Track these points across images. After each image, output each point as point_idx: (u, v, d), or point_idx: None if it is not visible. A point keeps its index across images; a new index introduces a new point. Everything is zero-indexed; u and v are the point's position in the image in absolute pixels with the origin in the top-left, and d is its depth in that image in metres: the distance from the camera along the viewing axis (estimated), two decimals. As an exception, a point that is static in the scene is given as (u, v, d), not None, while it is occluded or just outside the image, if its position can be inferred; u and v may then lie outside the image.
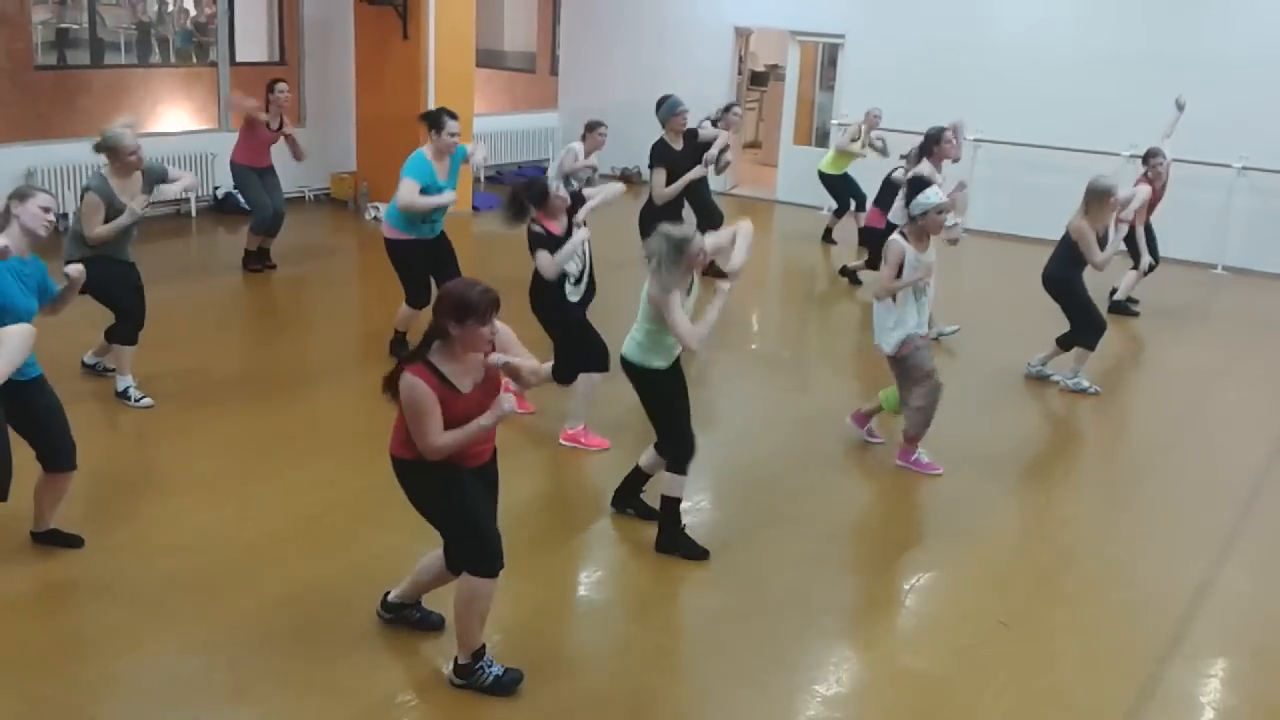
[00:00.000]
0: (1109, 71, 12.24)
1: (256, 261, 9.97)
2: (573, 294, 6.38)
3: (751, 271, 12.15)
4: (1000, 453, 7.12)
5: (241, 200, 11.75)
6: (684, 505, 5.54)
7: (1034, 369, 8.10)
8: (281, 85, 9.97)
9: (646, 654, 4.65)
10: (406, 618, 4.57)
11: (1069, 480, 6.70)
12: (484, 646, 4.25)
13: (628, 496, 5.66)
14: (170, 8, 13.84)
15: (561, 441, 6.48)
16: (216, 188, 12.01)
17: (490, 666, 4.23)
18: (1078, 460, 7.04)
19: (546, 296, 6.35)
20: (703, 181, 9.42)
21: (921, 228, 6.16)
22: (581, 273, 6.40)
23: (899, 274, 6.12)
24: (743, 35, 15.10)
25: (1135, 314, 10.11)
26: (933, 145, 8.64)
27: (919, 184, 6.25)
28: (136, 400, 6.79)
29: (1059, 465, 6.93)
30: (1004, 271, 11.57)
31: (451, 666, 4.26)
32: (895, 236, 6.23)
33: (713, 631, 4.77)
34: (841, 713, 4.32)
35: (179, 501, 5.61)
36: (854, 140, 11.67)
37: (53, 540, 5.09)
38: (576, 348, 6.39)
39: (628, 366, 5.34)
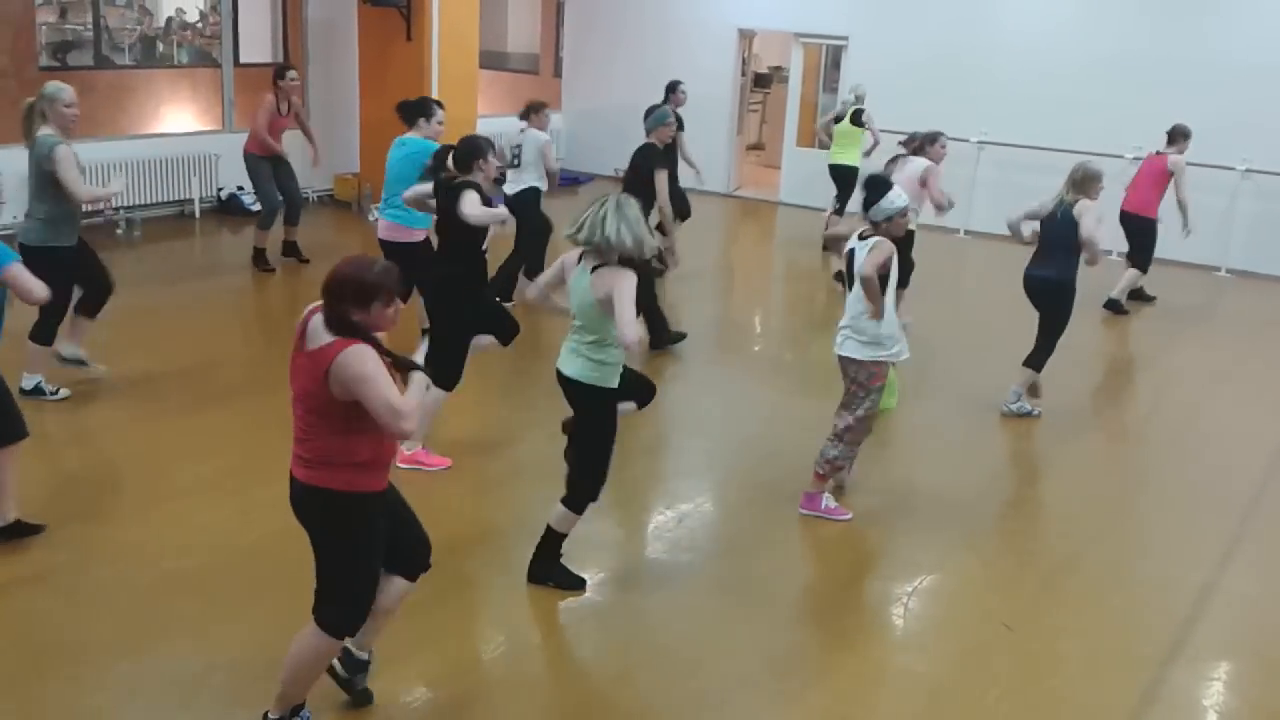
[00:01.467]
0: (1112, 74, 12.24)
1: (266, 260, 9.98)
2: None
3: (754, 274, 12.23)
4: (1003, 456, 7.12)
5: (245, 201, 11.82)
6: (686, 508, 5.54)
7: (1013, 407, 7.49)
8: (291, 73, 9.96)
9: (647, 657, 4.64)
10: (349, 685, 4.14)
11: (1072, 483, 6.69)
12: (303, 703, 3.94)
13: (547, 565, 5.03)
14: (174, 22, 13.86)
15: (399, 464, 5.67)
16: (220, 189, 12.02)
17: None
18: (1081, 463, 7.02)
19: (466, 263, 5.95)
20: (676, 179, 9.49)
21: (886, 231, 5.60)
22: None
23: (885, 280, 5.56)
24: (746, 37, 15.10)
25: (1125, 312, 10.14)
26: (927, 145, 8.76)
27: (879, 185, 5.64)
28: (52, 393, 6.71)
29: (1062, 468, 6.92)
30: (1008, 273, 11.54)
31: None
32: (882, 239, 5.65)
33: (713, 635, 4.77)
34: (844, 715, 4.32)
35: (181, 503, 5.61)
36: (838, 120, 11.74)
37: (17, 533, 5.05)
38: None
39: (581, 390, 4.76)
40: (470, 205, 5.72)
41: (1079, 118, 12.25)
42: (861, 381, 5.70)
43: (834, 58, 14.87)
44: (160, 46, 13.58)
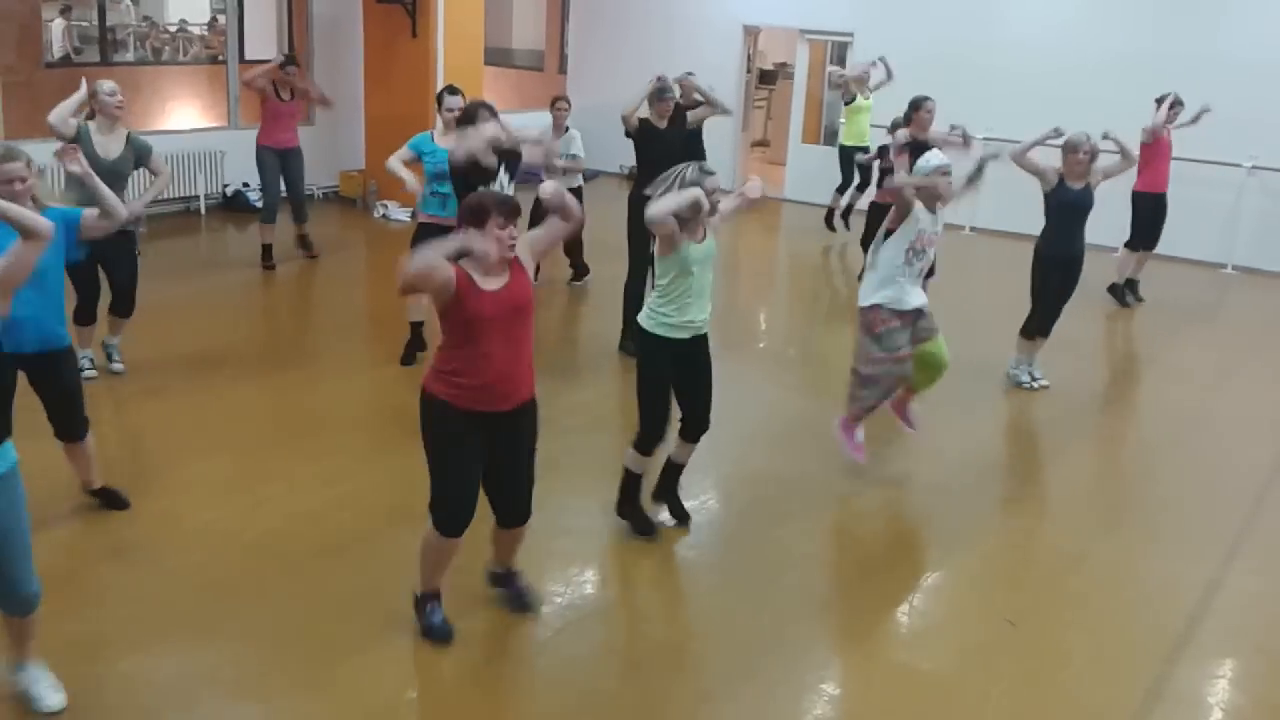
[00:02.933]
0: (1118, 71, 12.21)
1: (271, 257, 9.97)
2: None
3: (759, 269, 12.22)
4: (1006, 452, 7.12)
5: (251, 197, 11.85)
6: (690, 504, 5.55)
7: (1023, 380, 7.88)
8: (291, 67, 9.97)
9: (651, 652, 4.65)
10: (507, 586, 4.75)
11: (1076, 479, 6.69)
12: (437, 593, 4.44)
13: (666, 493, 5.60)
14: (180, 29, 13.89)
15: None
16: (226, 185, 12.04)
17: (432, 614, 4.43)
18: (1085, 459, 7.02)
19: None
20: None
21: (929, 190, 5.99)
22: None
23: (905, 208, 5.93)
24: (751, 33, 15.09)
25: (1127, 304, 10.14)
26: (912, 113, 8.87)
27: (919, 149, 6.17)
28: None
29: (1065, 464, 6.91)
30: (1013, 269, 11.52)
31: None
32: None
33: (718, 630, 4.77)
34: (847, 711, 4.32)
35: (187, 498, 5.62)
36: (864, 98, 11.81)
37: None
38: None
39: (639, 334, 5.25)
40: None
41: (1084, 114, 12.07)
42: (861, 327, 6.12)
43: (839, 54, 14.86)
44: (167, 52, 13.59)
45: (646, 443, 5.30)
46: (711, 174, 5.02)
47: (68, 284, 5.17)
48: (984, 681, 4.50)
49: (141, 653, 4.36)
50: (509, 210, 4.06)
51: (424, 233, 6.77)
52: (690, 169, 4.98)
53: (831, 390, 8.15)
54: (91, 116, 6.85)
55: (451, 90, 7.73)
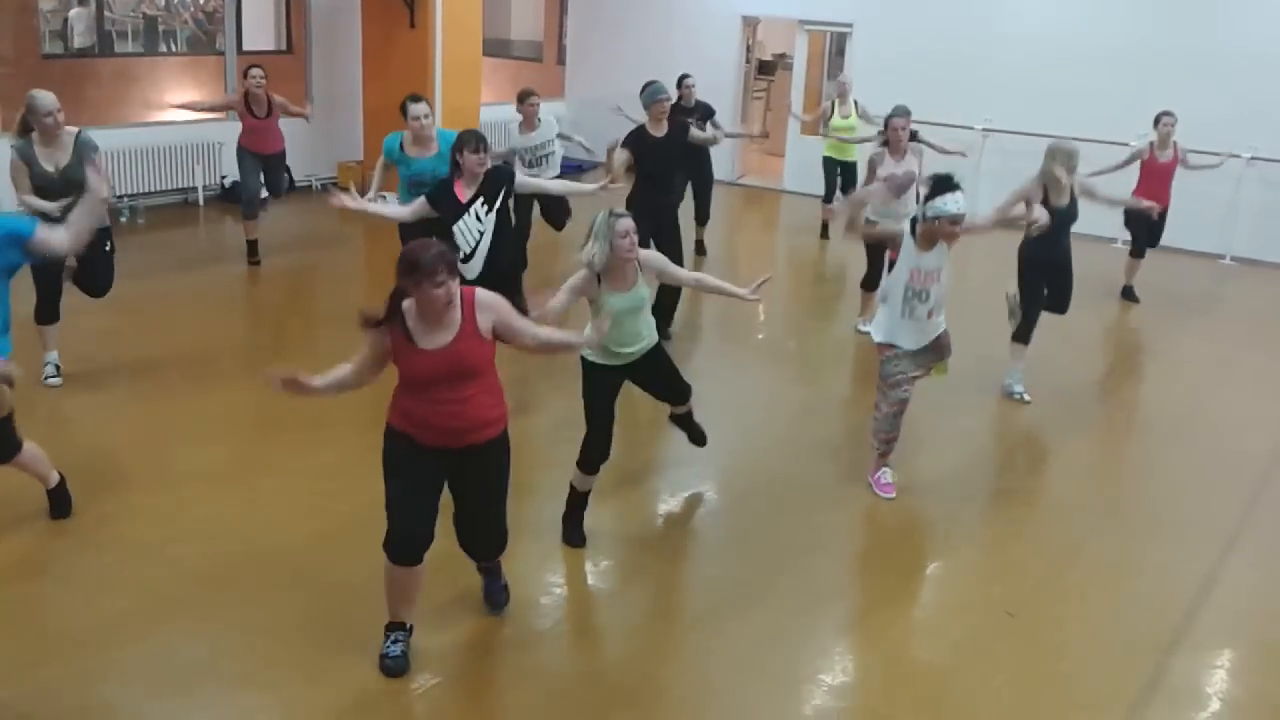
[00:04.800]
0: (1117, 63, 12.19)
1: (256, 253, 9.84)
2: (466, 272, 6.18)
3: (758, 262, 12.20)
4: (1006, 445, 7.12)
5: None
6: (689, 496, 5.55)
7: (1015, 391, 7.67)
8: (255, 70, 9.45)
9: (650, 644, 4.66)
10: (485, 581, 4.67)
11: (1074, 472, 6.69)
12: (402, 624, 4.27)
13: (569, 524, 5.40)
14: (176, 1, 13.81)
15: None
16: (224, 177, 12.01)
17: (390, 646, 4.25)
18: (1083, 451, 7.02)
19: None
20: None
21: (930, 231, 5.59)
22: (473, 251, 6.35)
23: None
24: (750, 24, 15.06)
25: (1137, 300, 10.16)
26: (884, 126, 8.40)
27: (943, 185, 5.53)
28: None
29: (1065, 456, 6.91)
30: (1010, 265, 11.50)
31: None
32: (903, 229, 5.78)
33: (717, 621, 4.78)
34: (846, 702, 4.33)
35: (186, 491, 5.63)
36: (842, 117, 11.68)
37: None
38: None
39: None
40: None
41: (1084, 106, 12.19)
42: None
43: (839, 45, 14.83)
44: (161, 26, 13.49)
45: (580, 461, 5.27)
46: (623, 217, 4.93)
47: (27, 282, 5.02)
48: (983, 673, 4.51)
49: (140, 644, 4.36)
50: (445, 266, 3.86)
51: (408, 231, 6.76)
52: (599, 217, 4.93)
53: (831, 383, 8.17)
54: (29, 131, 6.40)
55: (414, 98, 7.52)
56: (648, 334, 5.22)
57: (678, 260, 6.81)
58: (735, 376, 7.96)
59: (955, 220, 5.50)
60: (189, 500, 5.52)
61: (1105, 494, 6.36)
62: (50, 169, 6.38)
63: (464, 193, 6.33)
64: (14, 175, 6.36)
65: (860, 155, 11.51)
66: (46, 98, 6.37)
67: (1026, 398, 7.53)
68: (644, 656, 4.56)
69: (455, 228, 6.31)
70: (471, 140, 6.30)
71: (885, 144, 8.28)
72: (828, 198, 12.11)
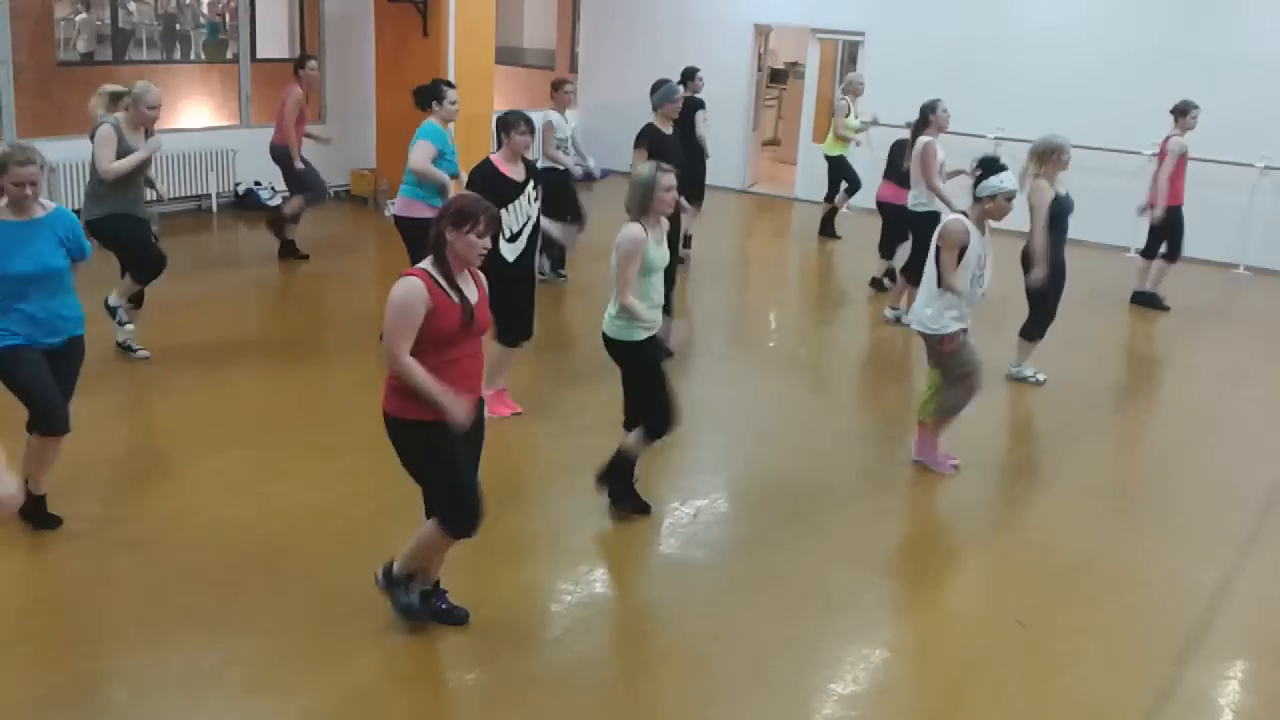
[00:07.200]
0: (1129, 70, 12.18)
1: (297, 249, 10.16)
2: (508, 251, 6.20)
3: (769, 269, 12.21)
4: (1017, 453, 7.10)
5: (262, 196, 11.89)
6: (700, 504, 5.54)
7: (1026, 375, 7.94)
8: (311, 62, 10.24)
9: (660, 652, 4.65)
10: (430, 608, 4.54)
11: (1087, 479, 6.66)
12: (417, 576, 4.45)
13: (619, 487, 5.57)
14: (189, 1, 13.87)
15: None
16: (238, 184, 12.07)
17: (409, 594, 4.44)
18: (1096, 459, 7.00)
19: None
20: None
21: (986, 211, 5.92)
22: (520, 231, 6.29)
23: (960, 257, 5.84)
24: (762, 32, 15.08)
25: (1166, 308, 10.10)
26: (929, 115, 8.89)
27: (992, 165, 5.94)
28: (134, 351, 7.35)
29: (1077, 464, 6.89)
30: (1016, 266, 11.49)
31: (383, 568, 4.49)
32: (957, 217, 5.98)
33: (728, 630, 4.77)
34: (857, 712, 4.31)
35: (198, 495, 5.64)
36: (847, 116, 11.72)
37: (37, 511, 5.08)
38: (503, 307, 6.00)
39: (607, 343, 5.41)
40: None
41: (1096, 113, 12.18)
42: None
43: (850, 53, 14.83)
44: (177, 29, 13.53)
45: (667, 431, 5.49)
46: (668, 171, 5.22)
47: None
48: (995, 682, 4.49)
49: (153, 648, 4.37)
50: (490, 220, 4.14)
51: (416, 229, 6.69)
52: (645, 168, 5.24)
53: (842, 389, 8.15)
54: (121, 108, 6.97)
55: (449, 84, 7.65)
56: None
57: (675, 252, 7.31)
58: (745, 384, 7.95)
59: (1010, 196, 5.84)
60: (200, 505, 5.53)
61: (1118, 502, 6.34)
62: (134, 149, 6.93)
63: (515, 173, 6.28)
64: (103, 147, 6.81)
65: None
66: (156, 93, 7.05)
67: (1040, 377, 7.61)
68: (650, 664, 4.55)
69: (509, 207, 6.18)
70: (520, 121, 6.27)
71: (919, 132, 8.82)
72: (831, 195, 12.17)
